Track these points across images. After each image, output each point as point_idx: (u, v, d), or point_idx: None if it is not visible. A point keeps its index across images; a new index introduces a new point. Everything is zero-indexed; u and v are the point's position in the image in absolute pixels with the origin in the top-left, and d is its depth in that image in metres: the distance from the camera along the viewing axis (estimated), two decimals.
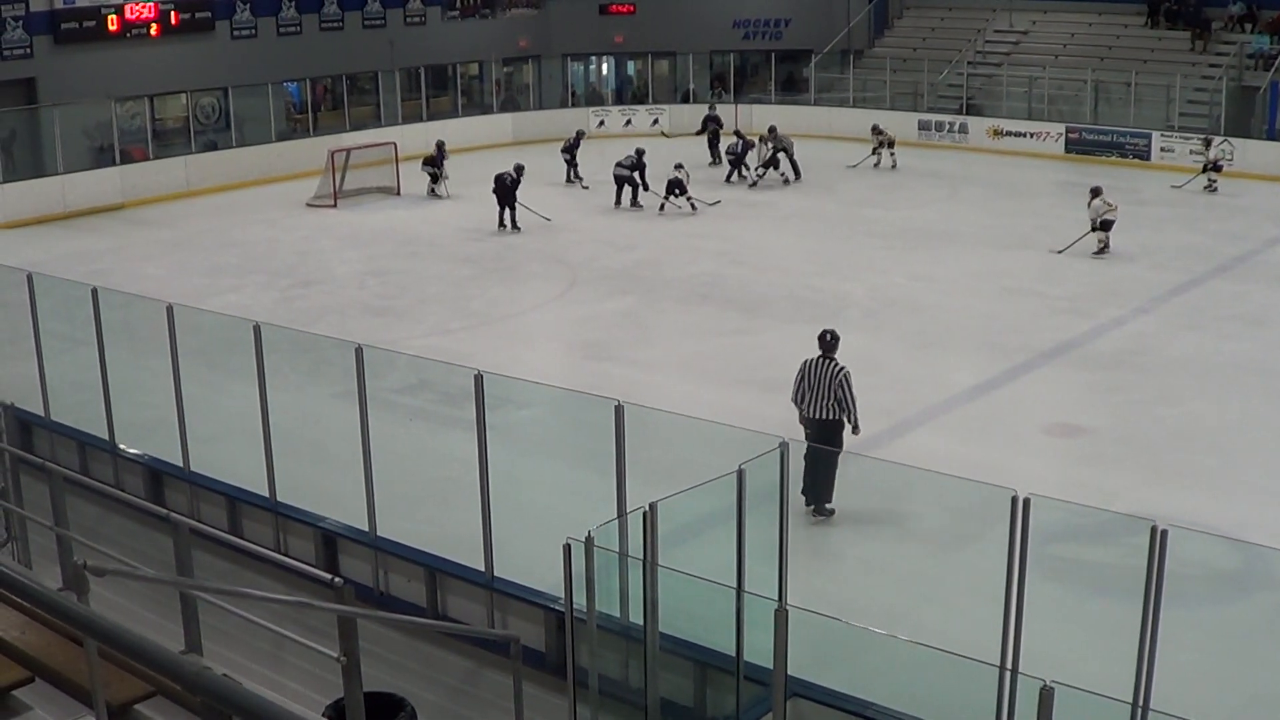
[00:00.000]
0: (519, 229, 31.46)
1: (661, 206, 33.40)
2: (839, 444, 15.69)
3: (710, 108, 43.35)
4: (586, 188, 37.16)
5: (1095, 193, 28.59)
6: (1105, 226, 28.27)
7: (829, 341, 16.02)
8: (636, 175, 34.26)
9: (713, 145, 41.06)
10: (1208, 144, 35.95)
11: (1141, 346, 22.35)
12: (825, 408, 15.65)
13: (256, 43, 42.81)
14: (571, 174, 38.29)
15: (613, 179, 34.80)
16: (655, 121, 47.41)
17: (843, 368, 15.74)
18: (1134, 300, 25.03)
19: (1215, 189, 35.01)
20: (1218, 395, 20.20)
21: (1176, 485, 16.81)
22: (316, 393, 18.28)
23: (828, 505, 15.44)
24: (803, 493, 15.19)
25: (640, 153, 34.83)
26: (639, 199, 34.42)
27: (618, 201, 34.67)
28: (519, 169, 31.99)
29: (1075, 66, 44.70)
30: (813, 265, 28.08)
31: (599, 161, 37.73)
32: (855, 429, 15.71)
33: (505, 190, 31.57)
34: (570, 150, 38.42)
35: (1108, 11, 47.11)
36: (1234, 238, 29.95)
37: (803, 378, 15.90)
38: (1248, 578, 14.00)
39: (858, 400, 15.70)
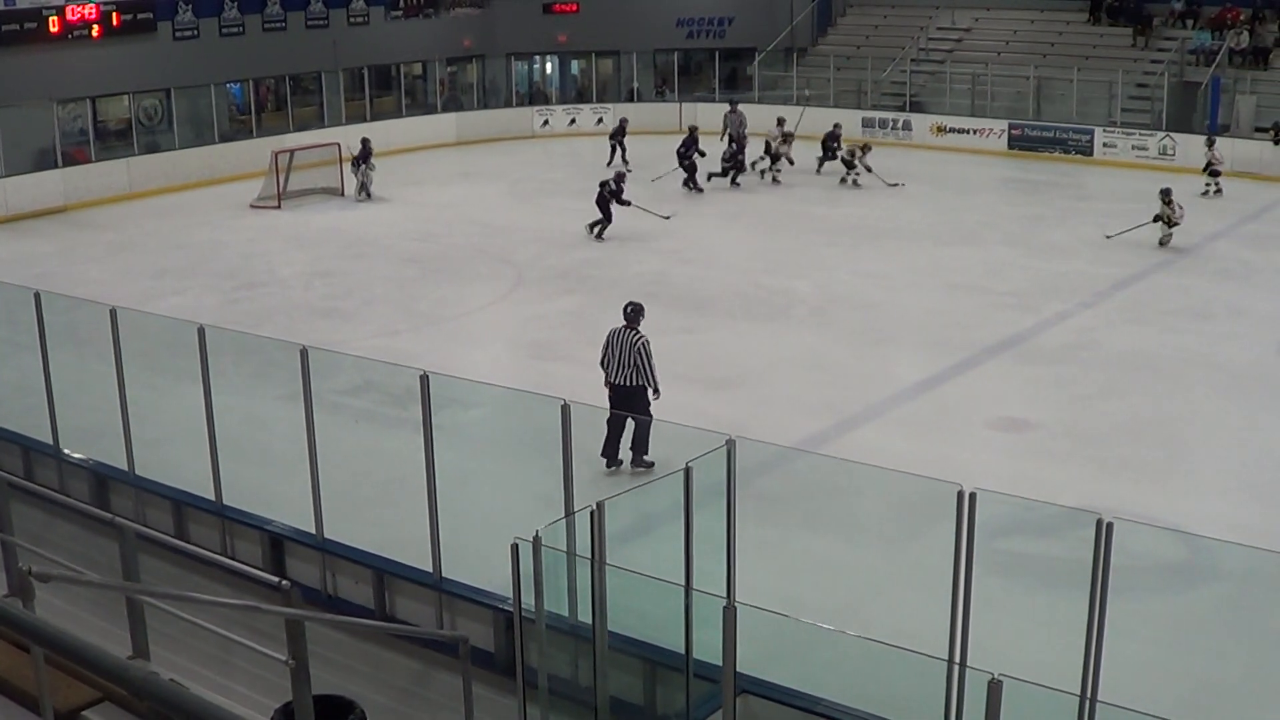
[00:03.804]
0: (602, 239, 30.49)
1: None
2: (642, 408, 16.64)
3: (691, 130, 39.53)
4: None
5: (1167, 194, 28.90)
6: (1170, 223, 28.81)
7: (629, 313, 17.17)
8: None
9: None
10: (1210, 144, 35.55)
11: (1086, 341, 22.49)
12: (625, 375, 16.71)
13: (199, 44, 42.53)
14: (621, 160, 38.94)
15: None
16: (599, 121, 47.35)
17: (641, 337, 16.80)
18: (1078, 295, 25.18)
19: (1220, 191, 34.57)
20: (1162, 389, 20.35)
21: (1122, 478, 16.93)
22: (262, 395, 18.20)
23: (646, 458, 16.49)
24: (601, 454, 16.38)
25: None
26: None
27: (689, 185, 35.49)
28: (620, 177, 31.30)
29: (1018, 63, 44.95)
30: (759, 263, 28.12)
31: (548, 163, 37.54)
32: (656, 393, 16.74)
33: (602, 199, 30.67)
34: (617, 137, 39.24)
35: (1049, 8, 47.39)
36: (1177, 232, 30.13)
37: (607, 347, 16.97)
38: (1193, 569, 14.11)
39: (656, 367, 16.72)
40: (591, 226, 30.57)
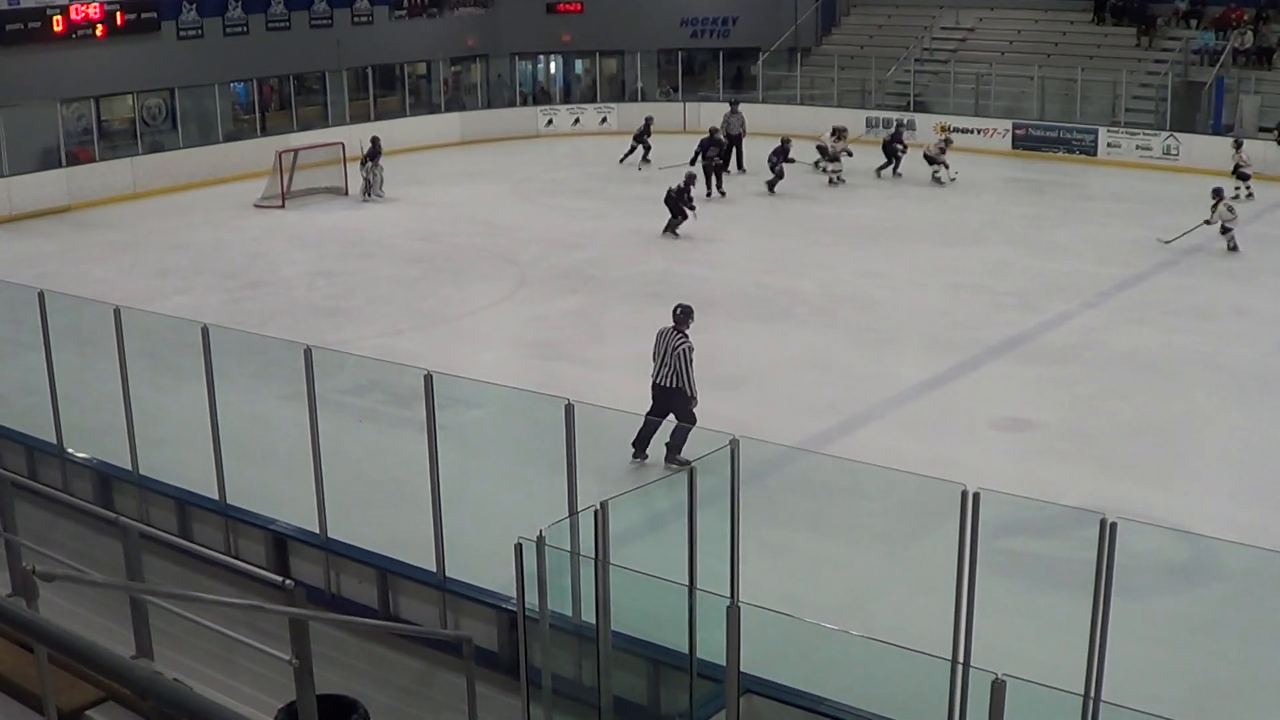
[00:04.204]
0: (678, 236, 30.39)
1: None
2: (678, 408, 16.77)
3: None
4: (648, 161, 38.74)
5: (1218, 195, 28.64)
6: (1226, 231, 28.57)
7: (678, 315, 17.28)
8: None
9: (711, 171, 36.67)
10: (1238, 145, 35.26)
11: (1089, 341, 22.48)
12: (665, 376, 16.85)
13: (203, 43, 42.53)
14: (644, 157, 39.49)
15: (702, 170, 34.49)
16: (603, 120, 47.39)
17: (684, 341, 16.88)
18: (1081, 295, 25.16)
19: (1251, 195, 33.94)
20: (1165, 389, 20.34)
21: (1125, 478, 16.92)
22: (266, 395, 18.19)
23: (680, 457, 16.43)
24: (631, 444, 16.65)
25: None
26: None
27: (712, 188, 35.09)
28: (690, 178, 30.90)
29: (1022, 63, 44.96)
30: (763, 263, 28.12)
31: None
32: (692, 398, 16.80)
33: (671, 199, 30.48)
34: (641, 137, 39.31)
35: (1054, 8, 47.39)
36: (1180, 232, 30.12)
37: (656, 345, 17.12)
38: (1196, 569, 14.11)
39: (694, 373, 16.82)
40: (667, 229, 30.44)
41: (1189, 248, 28.32)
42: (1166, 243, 28.63)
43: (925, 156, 36.74)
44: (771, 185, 35.51)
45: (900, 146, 37.76)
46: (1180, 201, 33.70)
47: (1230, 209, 28.41)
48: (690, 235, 30.20)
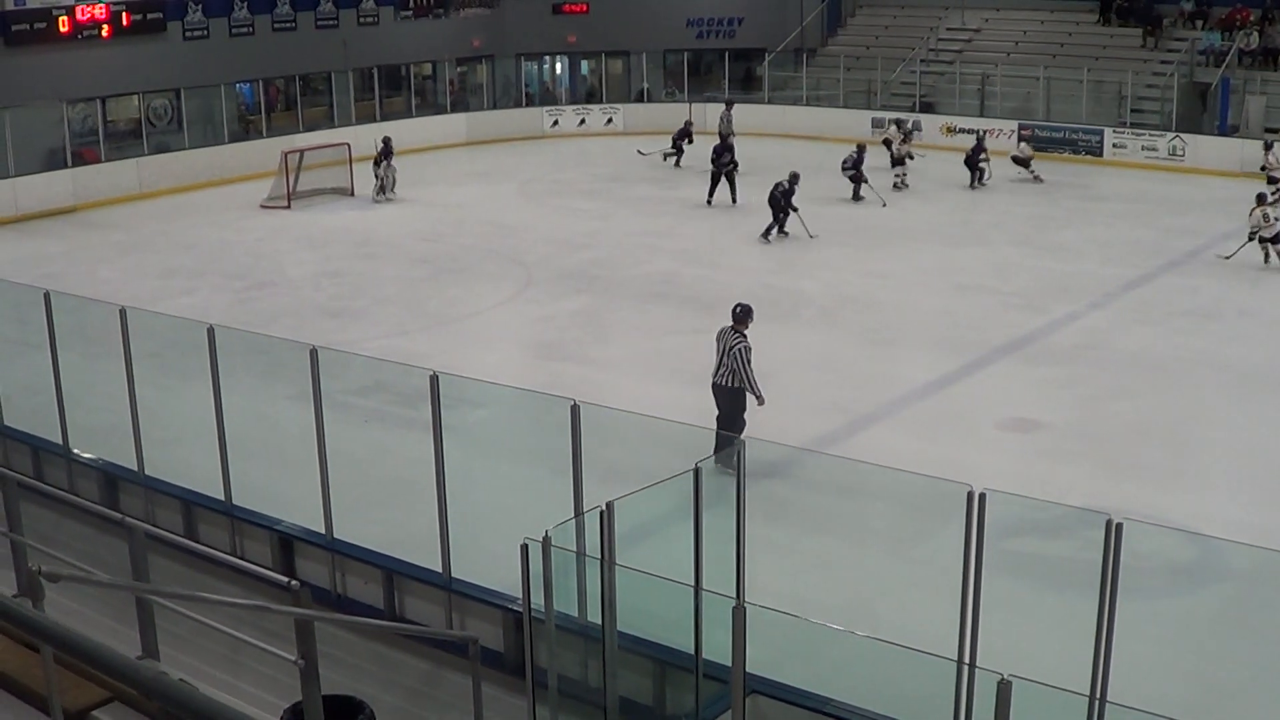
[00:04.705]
0: (773, 237, 29.98)
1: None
2: (736, 410, 16.60)
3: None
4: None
5: (1260, 200, 27.66)
6: (1276, 239, 27.21)
7: (737, 314, 17.08)
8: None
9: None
10: (1268, 147, 34.98)
11: (1095, 341, 22.48)
12: (724, 375, 16.73)
13: (208, 43, 42.58)
14: (677, 162, 39.50)
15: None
16: (609, 121, 47.38)
17: (742, 340, 16.70)
18: (1087, 295, 25.16)
19: None
20: (1171, 389, 20.34)
21: (1131, 479, 16.92)
22: (272, 395, 18.21)
23: (733, 461, 15.94)
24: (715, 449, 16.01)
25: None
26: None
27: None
28: (794, 178, 30.37)
29: (1027, 64, 44.93)
30: (768, 263, 28.13)
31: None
32: (759, 400, 16.62)
33: (775, 200, 29.96)
34: (680, 139, 39.33)
35: (1059, 9, 47.38)
36: (1185, 233, 30.14)
37: (716, 345, 17.01)
38: (1202, 570, 14.11)
39: (754, 374, 16.65)
40: (768, 232, 29.98)
41: (1193, 249, 28.30)
42: (1225, 258, 27.62)
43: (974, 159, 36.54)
44: (856, 194, 34.76)
45: (983, 155, 36.92)
46: (1186, 202, 33.79)
47: (1266, 215, 27.21)
48: (797, 236, 30.06)
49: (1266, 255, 27.09)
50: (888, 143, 37.00)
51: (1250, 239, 27.06)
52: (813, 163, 37.33)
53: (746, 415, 16.63)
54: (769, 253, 29.08)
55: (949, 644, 9.43)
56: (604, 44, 50.26)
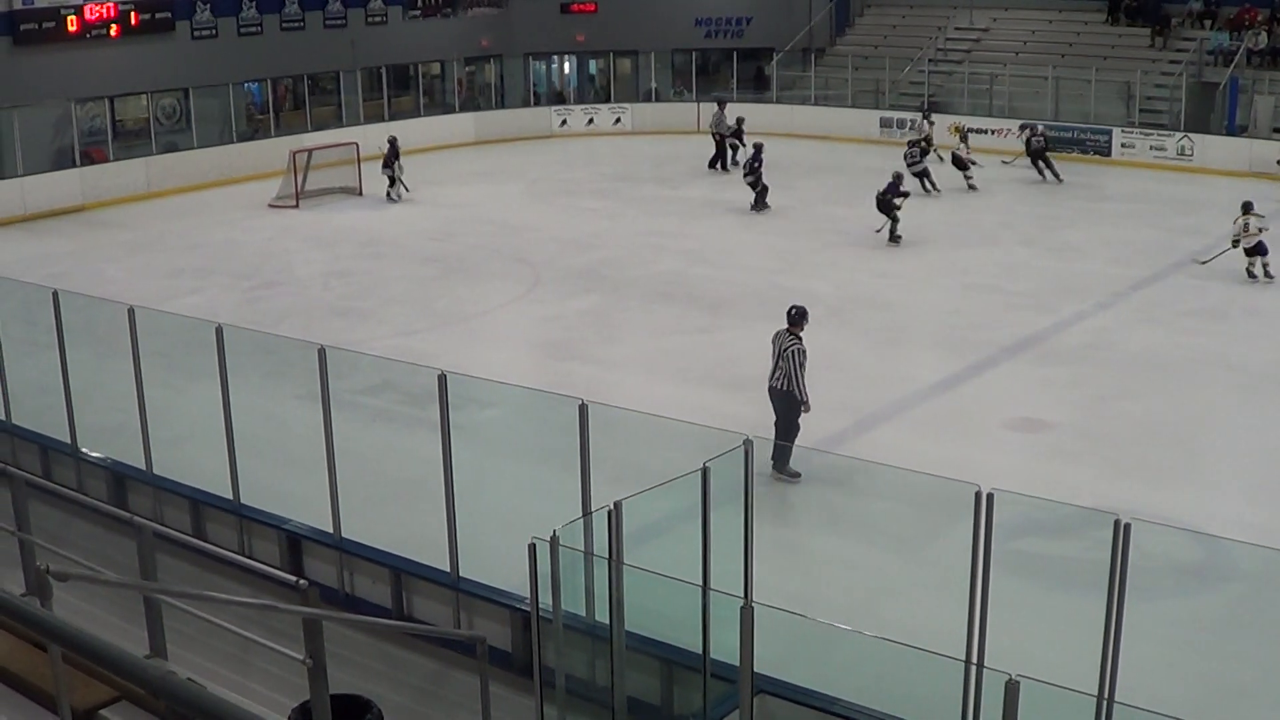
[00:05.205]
0: (891, 235, 29.43)
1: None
2: (792, 415, 16.51)
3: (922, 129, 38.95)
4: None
5: (1245, 209, 26.34)
6: (1253, 251, 26.15)
7: (792, 316, 16.93)
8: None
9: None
10: None
11: (1103, 341, 22.45)
12: (778, 379, 16.59)
13: (217, 43, 42.63)
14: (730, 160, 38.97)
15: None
16: (617, 120, 47.37)
17: (795, 343, 16.56)
18: (1094, 295, 25.13)
19: None
20: (1178, 389, 20.31)
21: (1139, 479, 16.90)
22: (280, 394, 18.23)
23: (790, 468, 16.21)
24: (771, 456, 16.17)
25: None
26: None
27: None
28: (898, 177, 30.02)
29: (1036, 64, 44.88)
30: (776, 263, 28.10)
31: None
32: (805, 405, 16.49)
33: (882, 202, 29.52)
34: (732, 137, 38.90)
35: (1068, 9, 47.33)
36: (1193, 233, 30.06)
37: (772, 348, 16.83)
38: (1210, 570, 14.09)
39: (805, 378, 16.54)
40: (891, 235, 29.48)
41: (1201, 249, 28.24)
42: (1202, 263, 27.00)
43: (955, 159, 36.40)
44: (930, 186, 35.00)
45: (1042, 144, 37.26)
46: (1194, 202, 33.75)
47: (1247, 225, 26.19)
48: (909, 236, 29.62)
49: (1250, 269, 26.27)
50: (957, 159, 36.45)
51: (1233, 245, 26.42)
52: (821, 163, 37.40)
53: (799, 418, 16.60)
54: (776, 252, 29.05)
55: (957, 644, 9.43)
56: (612, 43, 50.24)
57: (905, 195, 29.76)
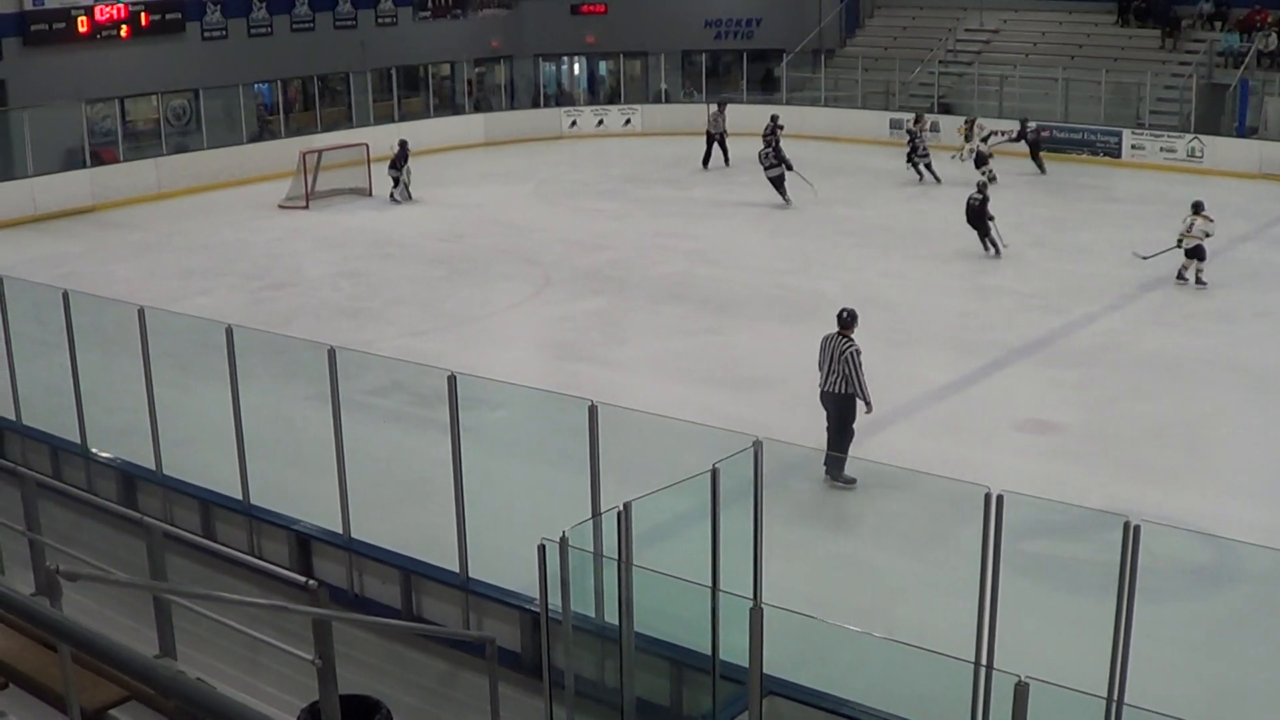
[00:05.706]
0: (995, 249, 28.43)
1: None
2: (846, 418, 16.37)
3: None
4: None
5: (1195, 209, 26.04)
6: (1192, 254, 25.83)
7: (843, 319, 16.76)
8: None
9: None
10: None
11: (1113, 343, 22.43)
12: (833, 382, 16.35)
13: (227, 44, 42.70)
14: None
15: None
16: (627, 122, 47.37)
17: (851, 344, 16.37)
18: (1104, 297, 25.10)
19: None
20: (1188, 391, 20.28)
21: (1148, 481, 16.87)
22: (289, 395, 18.25)
23: (845, 474, 16.10)
24: (824, 463, 16.14)
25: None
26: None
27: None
28: (981, 186, 29.29)
29: (1046, 65, 44.81)
30: (785, 264, 28.09)
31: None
32: (868, 407, 16.34)
33: (972, 213, 28.58)
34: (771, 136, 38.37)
35: (1078, 10, 47.29)
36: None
37: (820, 351, 16.67)
38: (1220, 572, 14.07)
39: (865, 378, 16.34)
40: (991, 248, 28.60)
41: (1211, 251, 28.19)
42: (1144, 258, 26.66)
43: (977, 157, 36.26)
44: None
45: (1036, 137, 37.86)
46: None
47: (1191, 225, 25.84)
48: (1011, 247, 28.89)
49: (1183, 270, 25.97)
50: (979, 154, 36.34)
51: (1177, 244, 26.04)
52: (830, 164, 37.36)
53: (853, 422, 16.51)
54: (785, 253, 29.05)
55: (966, 645, 9.42)
56: (622, 45, 50.28)
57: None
